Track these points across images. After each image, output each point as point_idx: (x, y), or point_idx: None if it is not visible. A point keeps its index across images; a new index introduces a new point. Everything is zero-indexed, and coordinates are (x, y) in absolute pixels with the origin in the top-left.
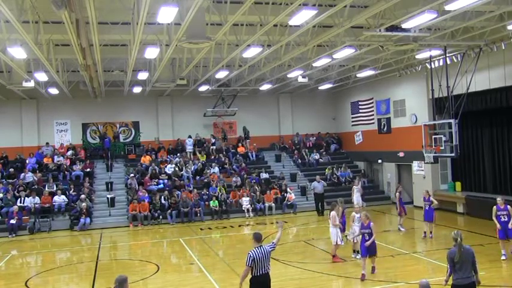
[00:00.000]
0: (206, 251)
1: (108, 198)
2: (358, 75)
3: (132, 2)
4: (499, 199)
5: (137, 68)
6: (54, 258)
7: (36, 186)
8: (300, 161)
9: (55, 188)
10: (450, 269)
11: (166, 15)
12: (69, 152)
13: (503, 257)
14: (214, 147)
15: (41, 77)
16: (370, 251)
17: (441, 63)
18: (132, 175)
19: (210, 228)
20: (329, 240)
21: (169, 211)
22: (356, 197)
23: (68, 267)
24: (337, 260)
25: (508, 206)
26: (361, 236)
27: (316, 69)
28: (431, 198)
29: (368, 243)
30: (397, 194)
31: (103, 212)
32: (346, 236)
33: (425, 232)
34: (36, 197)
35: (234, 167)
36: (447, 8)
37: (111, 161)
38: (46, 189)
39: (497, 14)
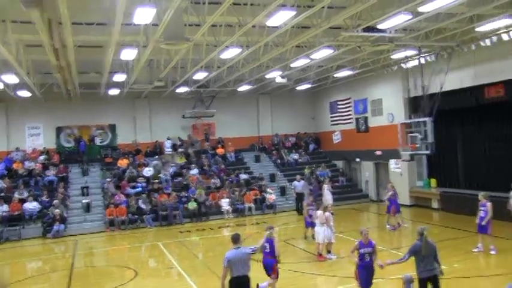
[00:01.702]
0: (186, 255)
1: (83, 203)
2: (336, 76)
3: (107, 2)
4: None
5: (114, 70)
6: (25, 268)
7: (3, 194)
8: (279, 161)
9: (26, 195)
10: (404, 259)
11: (143, 16)
12: (42, 157)
13: (492, 251)
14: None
15: (10, 79)
16: (369, 280)
17: (416, 63)
18: (109, 179)
19: (189, 231)
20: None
21: (147, 215)
22: (326, 195)
23: (41, 277)
24: (322, 258)
25: (488, 203)
26: (357, 259)
27: (295, 70)
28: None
29: (380, 262)
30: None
31: (78, 217)
32: (312, 235)
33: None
34: (5, 205)
35: (213, 168)
36: (421, 9)
37: (87, 165)
38: (16, 195)
39: (468, 16)
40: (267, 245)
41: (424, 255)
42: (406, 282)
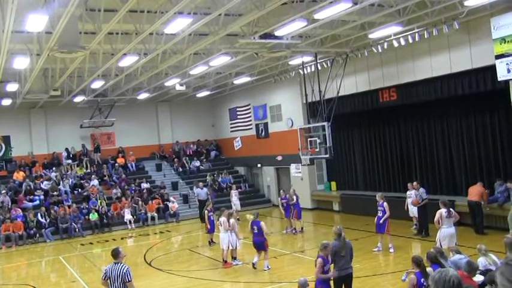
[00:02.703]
0: (88, 267)
1: None
2: (235, 82)
3: None
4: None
5: (5, 79)
6: None
7: None
8: (180, 169)
9: None
10: (335, 262)
11: (36, 23)
12: None
13: (391, 250)
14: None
15: None
16: None
17: (313, 69)
18: (4, 192)
19: (91, 243)
20: (216, 247)
21: (46, 228)
22: (234, 200)
23: None
24: (228, 265)
25: (384, 203)
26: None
27: (194, 77)
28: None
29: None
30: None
31: None
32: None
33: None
34: None
35: (113, 178)
36: (316, 16)
37: None
38: None
39: (359, 24)
40: (255, 227)
41: (343, 255)
42: (300, 286)
